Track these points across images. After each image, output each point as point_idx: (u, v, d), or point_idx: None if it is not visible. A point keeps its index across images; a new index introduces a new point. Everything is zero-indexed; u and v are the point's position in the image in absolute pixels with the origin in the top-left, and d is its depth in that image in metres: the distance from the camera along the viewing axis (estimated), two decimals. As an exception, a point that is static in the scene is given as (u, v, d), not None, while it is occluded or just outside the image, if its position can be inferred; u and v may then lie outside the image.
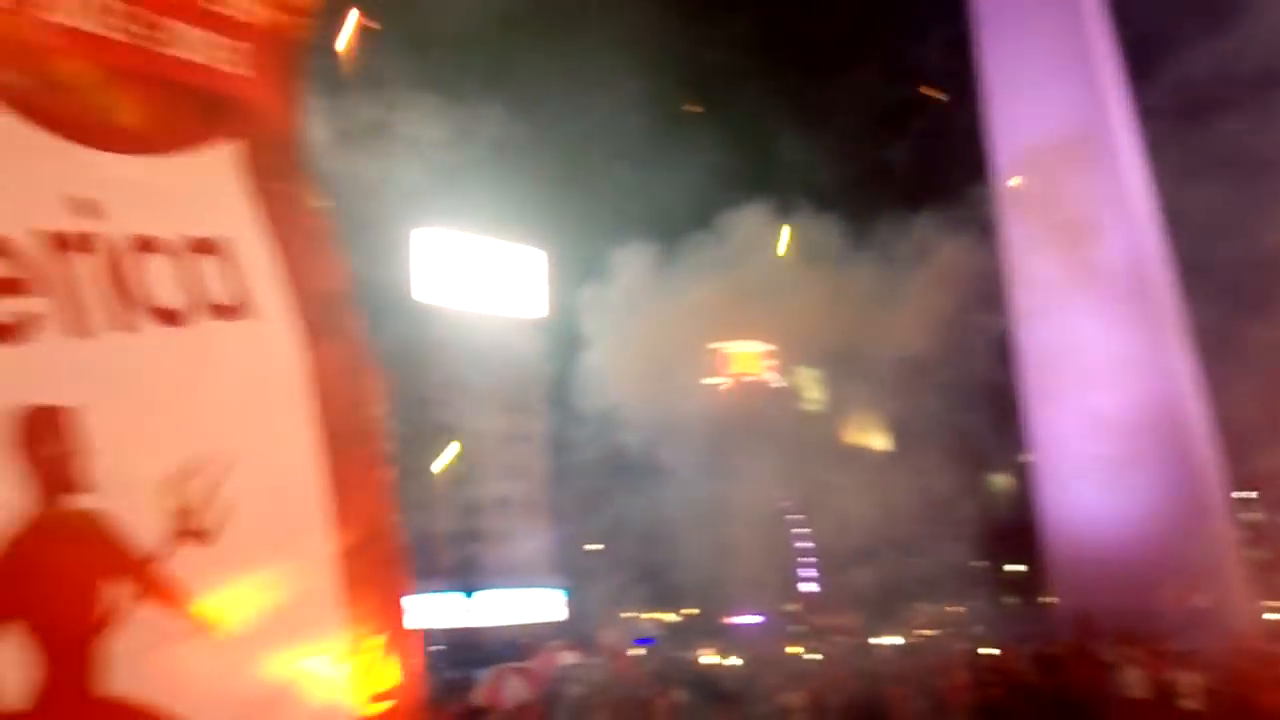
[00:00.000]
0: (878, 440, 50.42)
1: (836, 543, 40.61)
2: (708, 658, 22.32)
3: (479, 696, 11.10)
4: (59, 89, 1.00)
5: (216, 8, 1.22)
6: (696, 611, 40.48)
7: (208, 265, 1.15)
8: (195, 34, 1.18)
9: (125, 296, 1.03)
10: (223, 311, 1.15)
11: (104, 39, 1.07)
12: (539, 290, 52.60)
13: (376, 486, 1.33)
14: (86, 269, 1.00)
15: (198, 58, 1.20)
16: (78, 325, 0.98)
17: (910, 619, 28.50)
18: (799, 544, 46.71)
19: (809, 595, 44.12)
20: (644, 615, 37.87)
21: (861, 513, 41.57)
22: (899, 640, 23.82)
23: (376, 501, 1.33)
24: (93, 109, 1.05)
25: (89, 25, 1.06)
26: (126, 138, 1.08)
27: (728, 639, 32.35)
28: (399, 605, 1.39)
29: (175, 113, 1.16)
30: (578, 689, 11.97)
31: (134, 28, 1.12)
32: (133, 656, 0.99)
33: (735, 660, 21.41)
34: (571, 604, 42.15)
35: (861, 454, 50.04)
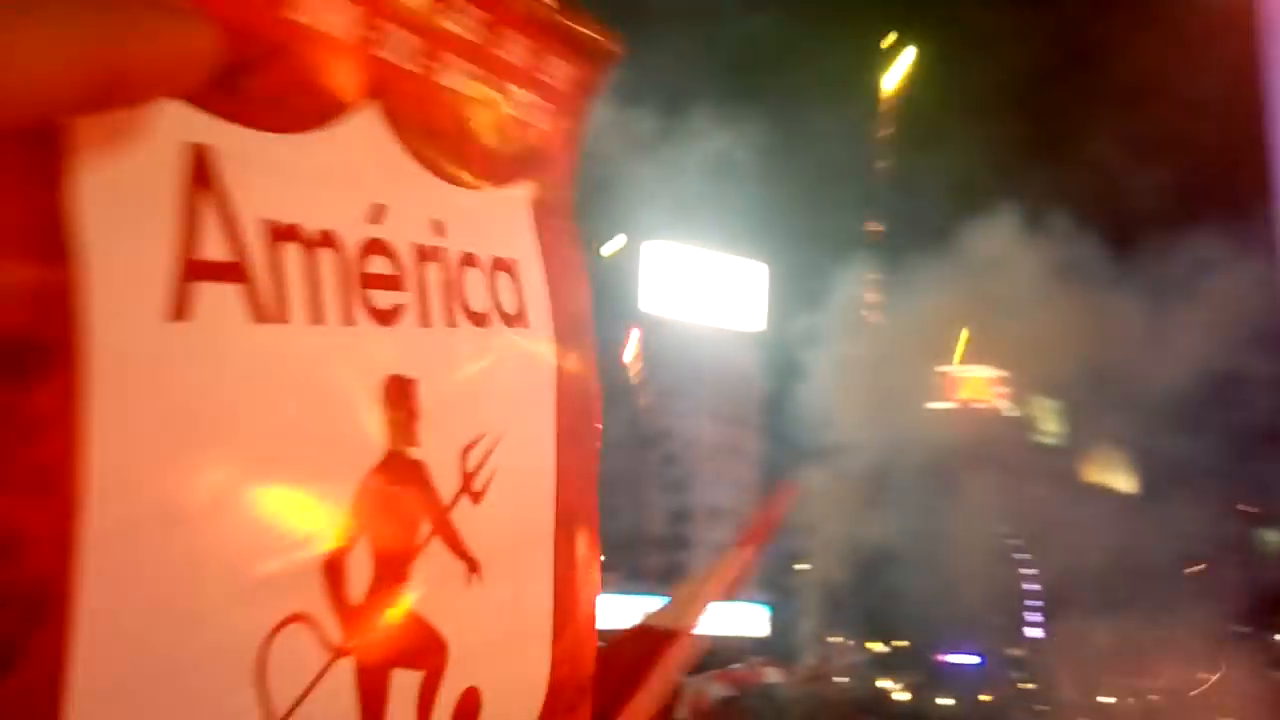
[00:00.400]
0: (1122, 480, 46.22)
1: (1068, 588, 37.56)
2: (910, 694, 21.35)
3: (683, 707, 11.08)
4: (430, 134, 1.30)
5: (543, 76, 1.56)
6: (905, 644, 38.75)
7: (503, 281, 1.42)
8: (523, 95, 1.53)
9: (454, 299, 1.31)
10: (508, 319, 1.41)
11: (468, 97, 1.40)
12: (759, 304, 52.66)
13: (590, 480, 1.60)
14: (433, 274, 1.28)
15: (522, 115, 1.52)
16: (423, 317, 1.26)
17: (1148, 680, 25.77)
18: (1026, 585, 43.61)
19: (1033, 641, 41.02)
20: (850, 641, 36.75)
21: (1100, 558, 38.20)
22: (1130, 701, 21.59)
23: (589, 493, 1.59)
24: (449, 151, 1.35)
25: (461, 86, 1.39)
26: (466, 175, 1.38)
27: (938, 677, 30.82)
28: (594, 590, 1.63)
29: (499, 158, 1.46)
30: (778, 707, 11.80)
31: (488, 90, 1.45)
32: (426, 583, 1.23)
33: (947, 700, 20.30)
34: (775, 621, 41.69)
35: (1102, 494, 46.03)
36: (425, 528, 1.26)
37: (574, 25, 1.59)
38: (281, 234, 1.10)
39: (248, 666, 0.99)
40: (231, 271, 1.02)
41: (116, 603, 0.88)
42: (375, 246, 1.22)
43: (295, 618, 1.06)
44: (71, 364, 0.85)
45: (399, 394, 1.22)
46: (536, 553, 1.50)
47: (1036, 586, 42.70)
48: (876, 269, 31.52)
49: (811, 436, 31.22)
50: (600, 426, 1.72)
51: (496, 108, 1.47)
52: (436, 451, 1.27)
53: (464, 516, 1.31)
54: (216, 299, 0.99)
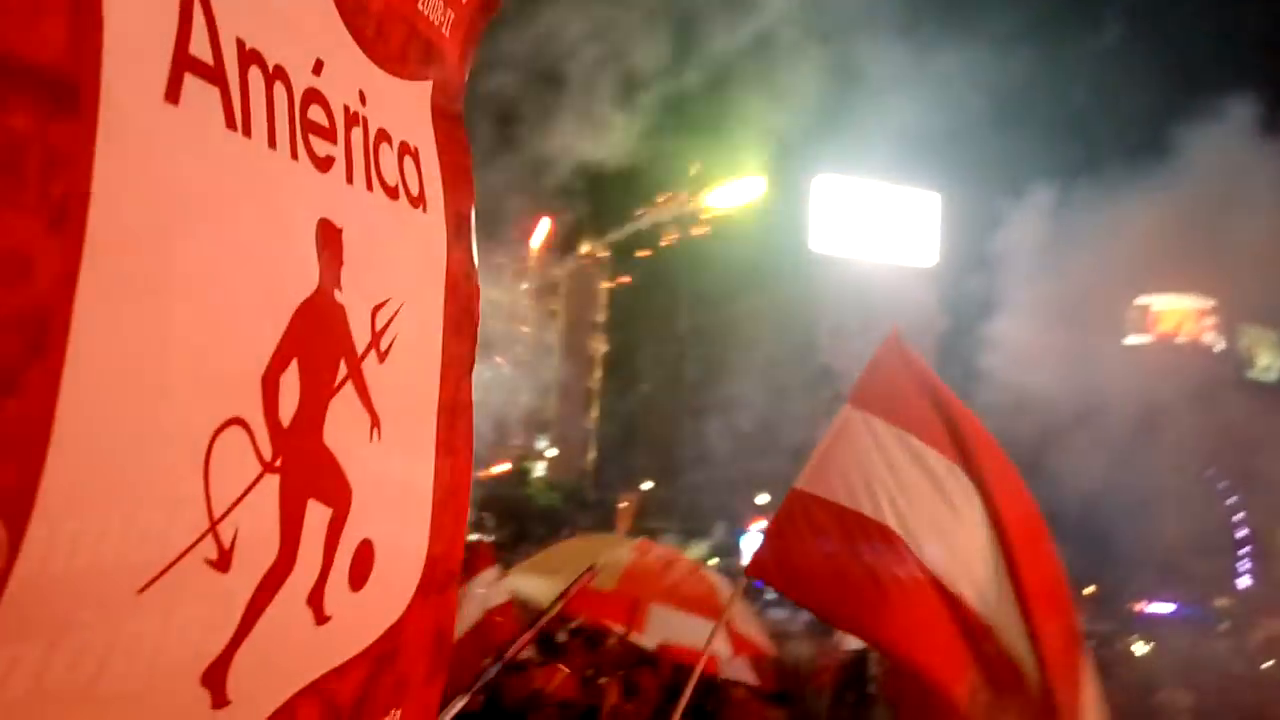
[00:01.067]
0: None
1: (1286, 536, 34.34)
2: (1098, 642, 20.17)
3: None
4: (362, 10, 1.44)
5: None
6: (1092, 590, 36.67)
7: (408, 164, 1.57)
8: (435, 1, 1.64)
9: (371, 166, 1.45)
10: (412, 200, 1.57)
11: None
12: (931, 236, 50.28)
13: (468, 375, 1.76)
14: (356, 138, 1.41)
15: (432, 16, 1.66)
16: (349, 173, 1.39)
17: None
18: (1236, 533, 40.22)
19: (1244, 591, 37.92)
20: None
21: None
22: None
23: (466, 388, 1.75)
24: (373, 32, 1.48)
25: None
26: (390, 60, 1.53)
27: (1134, 626, 29.05)
28: (467, 483, 1.76)
29: (411, 50, 1.60)
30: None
31: None
32: (339, 425, 1.36)
33: (1142, 651, 19.16)
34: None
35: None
36: (342, 371, 1.40)
37: None
38: (248, 57, 1.24)
39: (197, 456, 1.12)
40: (212, 74, 1.17)
41: (103, 350, 0.99)
42: (315, 95, 1.35)
43: (236, 421, 1.18)
44: (93, 110, 0.96)
45: (329, 237, 1.37)
46: (422, 428, 1.65)
47: (1246, 532, 39.29)
48: (1062, 191, 29.18)
49: (992, 377, 29.73)
50: (478, 318, 1.81)
51: (414, 4, 1.60)
52: (354, 301, 1.42)
53: (371, 372, 1.45)
54: (200, 95, 1.14)
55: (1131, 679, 10.30)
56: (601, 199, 44.57)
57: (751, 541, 32.48)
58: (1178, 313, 47.57)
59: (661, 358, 50.48)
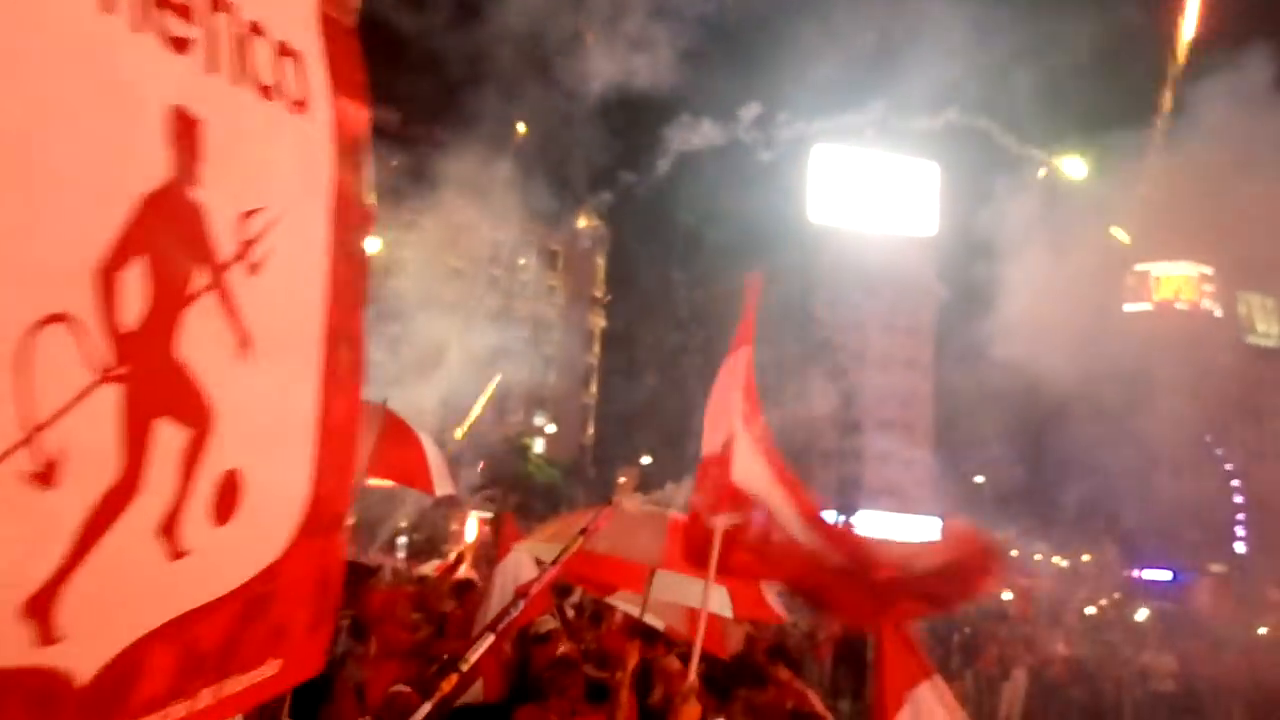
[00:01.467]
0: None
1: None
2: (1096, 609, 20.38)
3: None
4: None
5: None
6: (1088, 557, 36.87)
7: (289, 66, 1.44)
8: None
9: (242, 58, 1.34)
10: (292, 104, 1.44)
11: None
12: (930, 206, 50.08)
13: (359, 303, 1.61)
14: (223, 24, 1.31)
15: None
16: (211, 61, 1.27)
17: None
18: (1234, 499, 40.34)
19: (1240, 557, 38.09)
20: (1034, 556, 35.41)
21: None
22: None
23: (357, 315, 1.61)
24: None
25: None
26: None
27: (1133, 591, 29.27)
28: (358, 418, 1.62)
29: None
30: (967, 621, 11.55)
31: None
32: (198, 339, 1.25)
33: (1140, 616, 19.30)
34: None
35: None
36: (201, 278, 1.26)
37: None
38: None
39: (5, 353, 0.99)
40: None
41: None
42: None
43: (60, 318, 1.06)
44: None
45: (183, 127, 1.24)
46: (304, 353, 1.49)
47: (1241, 500, 39.41)
48: (1061, 156, 29.01)
49: (993, 345, 29.74)
50: (365, 244, 1.67)
51: None
52: (217, 202, 1.28)
53: (240, 285, 1.31)
54: None
55: (1122, 643, 10.39)
56: (603, 166, 44.34)
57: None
58: (1176, 280, 47.48)
59: (660, 332, 50.49)
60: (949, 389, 39.91)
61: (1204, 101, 23.18)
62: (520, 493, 31.78)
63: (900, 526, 40.13)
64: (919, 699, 2.83)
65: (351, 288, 1.59)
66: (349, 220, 1.58)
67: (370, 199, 1.66)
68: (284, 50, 1.46)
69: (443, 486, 5.99)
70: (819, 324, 43.69)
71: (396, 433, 5.58)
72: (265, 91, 1.40)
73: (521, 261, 43.93)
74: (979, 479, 38.77)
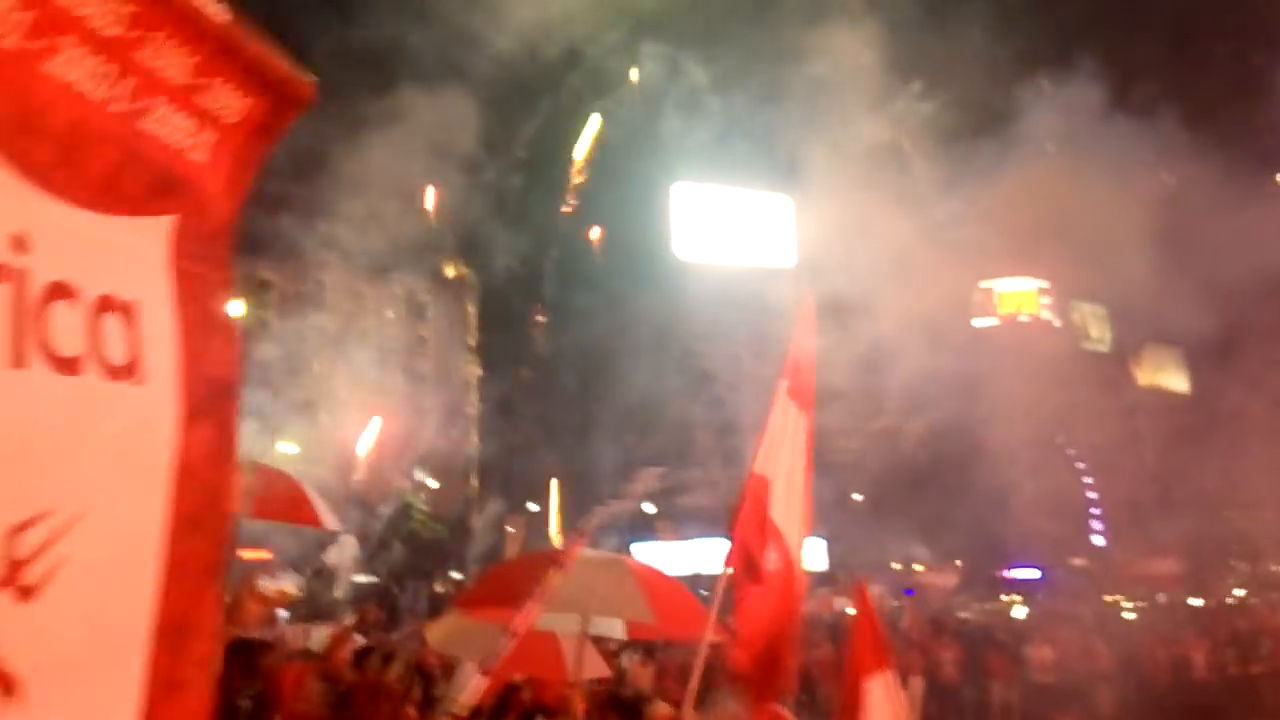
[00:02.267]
0: (1177, 382, 45.36)
1: (1131, 494, 37.12)
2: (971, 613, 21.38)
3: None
4: (28, 129, 1.09)
5: (205, 102, 1.35)
6: (959, 564, 38.70)
7: (111, 324, 1.20)
8: (175, 117, 1.28)
9: (26, 332, 1.11)
10: (113, 371, 1.19)
11: (91, 99, 1.21)
12: (788, 238, 52.04)
13: (213, 579, 1.37)
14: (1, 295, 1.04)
15: (168, 138, 1.29)
16: None
17: (1221, 580, 25.53)
18: (1088, 495, 43.21)
19: (1099, 550, 40.77)
20: (913, 566, 36.85)
21: (1160, 462, 37.59)
22: (1199, 602, 21.39)
23: (209, 596, 1.36)
24: (54, 156, 1.14)
25: (82, 83, 1.20)
26: (78, 190, 1.16)
27: (1003, 592, 30.80)
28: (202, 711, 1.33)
29: (128, 180, 1.24)
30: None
31: (122, 96, 1.26)
32: None
33: (1020, 612, 20.34)
34: (832, 553, 41.94)
35: (1158, 397, 45.20)
36: None
37: (257, 54, 1.36)
38: None
39: None
40: None
41: None
42: None
43: None
44: None
45: None
46: (117, 671, 1.23)
47: (1096, 495, 42.31)
48: (905, 187, 30.85)
49: (853, 366, 31.02)
50: (231, 515, 1.45)
51: (132, 122, 1.26)
52: None
53: (6, 617, 1.06)
54: None
55: (1006, 638, 10.96)
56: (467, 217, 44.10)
57: (643, 549, 32.64)
58: (1018, 295, 50.81)
59: (538, 377, 50.22)
60: (819, 410, 41.19)
61: (1036, 124, 25.12)
62: (408, 551, 30.84)
63: (786, 550, 40.82)
64: (875, 690, 2.98)
65: (200, 562, 1.33)
66: (199, 486, 1.32)
67: (234, 452, 1.41)
68: (108, 305, 1.24)
69: (330, 521, 5.85)
70: (694, 355, 44.47)
71: (271, 478, 5.42)
72: (65, 365, 1.17)
73: (390, 314, 43.02)
74: (857, 496, 40.13)
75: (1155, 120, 23.28)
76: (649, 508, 37.10)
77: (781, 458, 3.47)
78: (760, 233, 51.67)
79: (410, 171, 28.90)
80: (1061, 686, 8.78)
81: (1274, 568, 26.60)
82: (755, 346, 51.41)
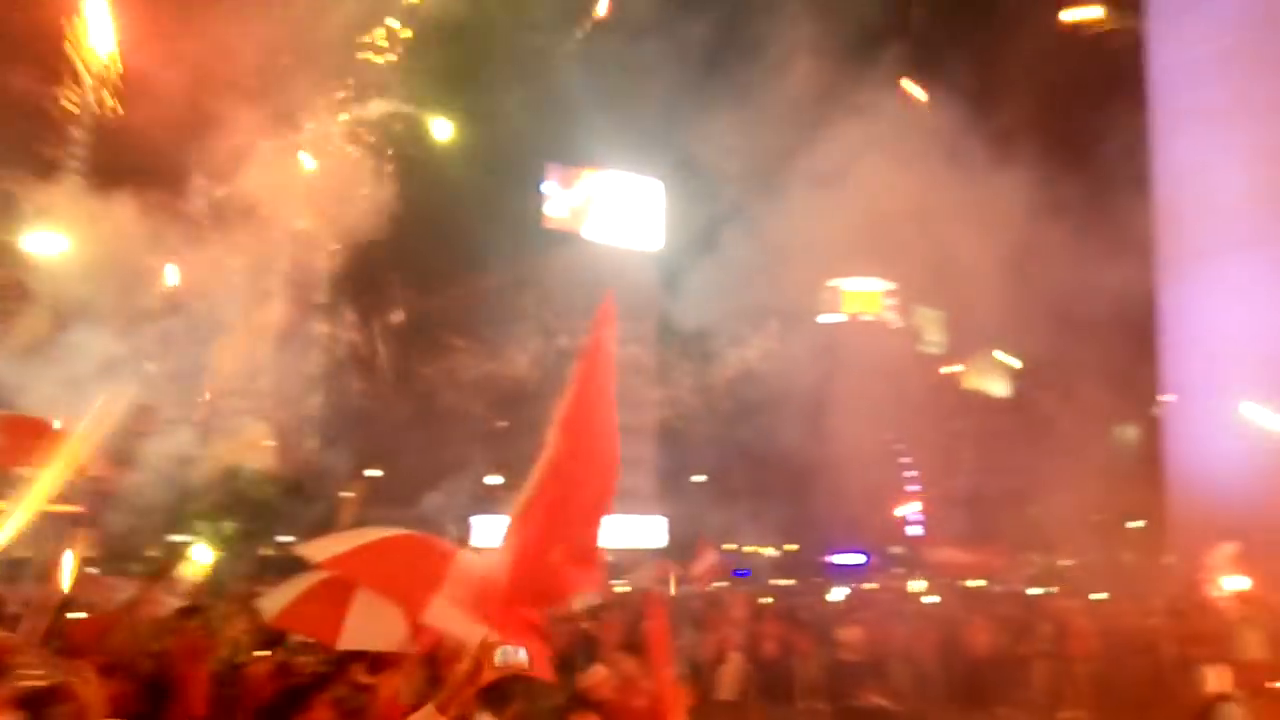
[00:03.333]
0: (998, 388, 48.84)
1: (948, 489, 39.88)
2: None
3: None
4: None
5: None
6: (796, 548, 40.69)
7: None
8: None
9: None
10: None
11: None
12: (656, 222, 52.67)
13: None
14: None
15: None
16: None
17: (1018, 571, 27.86)
18: (909, 488, 46.11)
19: (915, 539, 43.67)
20: (745, 548, 38.34)
21: (975, 460, 40.46)
22: (998, 589, 23.35)
23: None
24: None
25: None
26: None
27: (830, 576, 32.48)
28: None
29: None
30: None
31: None
32: None
33: (838, 594, 21.56)
34: (672, 532, 43.10)
35: (981, 400, 48.59)
36: None
37: None
38: None
39: None
40: None
41: None
42: None
43: None
44: None
45: None
46: None
47: (917, 487, 45.28)
48: (767, 180, 31.85)
49: (706, 353, 31.88)
50: None
51: None
52: None
53: None
54: None
55: (819, 621, 11.68)
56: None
57: (484, 524, 32.48)
58: (862, 295, 53.37)
59: (392, 340, 48.91)
60: (670, 395, 42.12)
61: (882, 133, 26.29)
62: (237, 514, 29.52)
63: (628, 527, 41.80)
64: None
65: None
66: None
67: None
68: None
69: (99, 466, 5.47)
70: (553, 332, 44.41)
71: (19, 425, 5.03)
72: None
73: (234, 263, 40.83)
74: (699, 478, 41.37)
75: (1006, 139, 24.91)
76: (493, 479, 36.92)
77: (584, 426, 3.59)
78: (630, 215, 52.09)
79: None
80: (866, 664, 9.45)
81: (1062, 561, 29.27)
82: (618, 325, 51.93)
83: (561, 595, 3.52)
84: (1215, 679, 6.23)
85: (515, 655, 3.36)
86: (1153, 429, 27.39)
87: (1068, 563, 28.91)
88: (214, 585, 12.60)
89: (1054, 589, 20.93)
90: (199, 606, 6.06)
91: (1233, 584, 11.30)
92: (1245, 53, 20.84)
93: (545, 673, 3.64)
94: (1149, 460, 25.90)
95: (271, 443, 42.44)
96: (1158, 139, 23.81)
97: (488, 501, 35.36)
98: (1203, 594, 11.74)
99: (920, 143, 26.39)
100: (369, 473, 39.34)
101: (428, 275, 47.73)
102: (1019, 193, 22.44)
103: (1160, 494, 23.04)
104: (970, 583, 23.61)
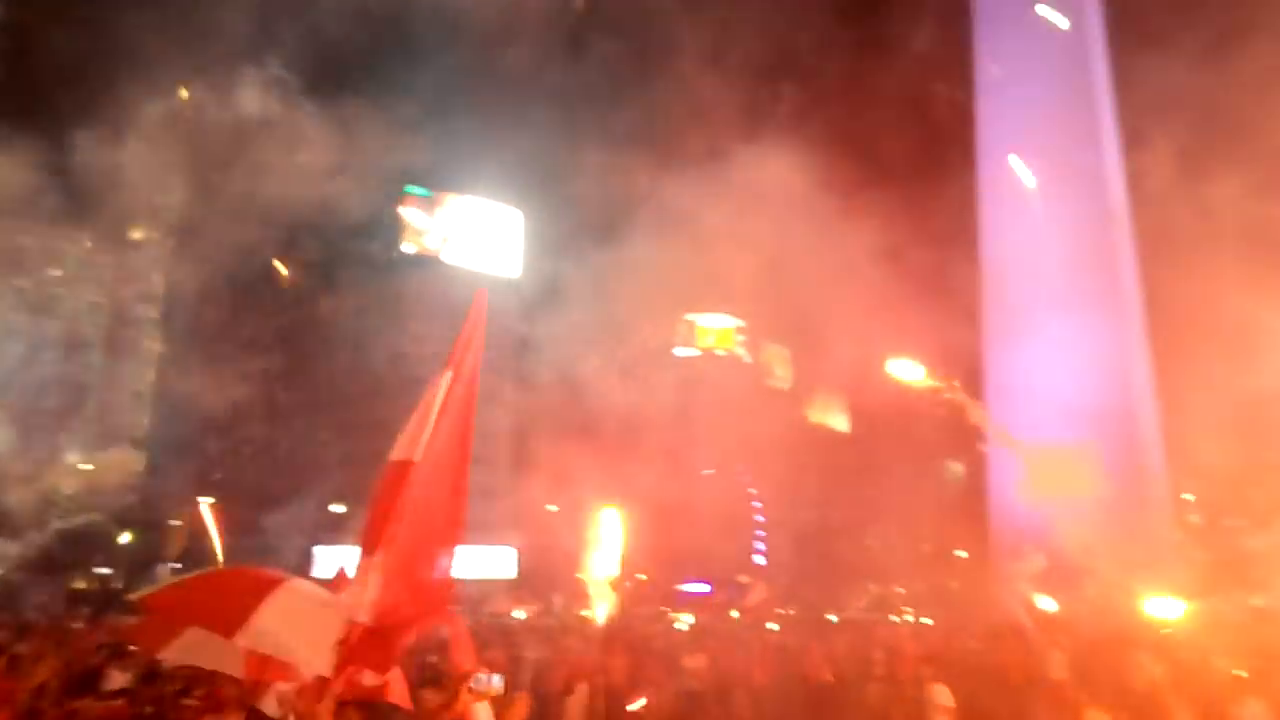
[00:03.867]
0: (840, 423, 51.06)
1: (791, 520, 41.24)
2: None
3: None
4: None
5: None
6: (644, 577, 40.97)
7: None
8: None
9: None
10: None
11: None
12: (515, 250, 52.54)
13: None
14: None
15: None
16: None
17: (854, 599, 29.14)
18: (756, 518, 47.38)
19: (759, 568, 44.86)
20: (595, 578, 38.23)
21: (817, 492, 42.06)
22: (834, 617, 24.35)
23: None
24: None
25: None
26: None
27: (676, 605, 32.85)
28: None
29: None
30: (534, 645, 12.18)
31: None
32: None
33: (684, 622, 21.85)
34: (522, 562, 42.57)
35: (824, 435, 50.64)
36: None
37: None
38: None
39: None
40: None
41: None
42: None
43: None
44: None
45: None
46: None
47: (762, 518, 46.62)
48: (621, 212, 32.38)
49: (560, 381, 31.88)
50: None
51: None
52: None
53: None
54: None
55: (666, 649, 11.80)
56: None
57: (327, 555, 31.14)
58: (715, 330, 54.79)
59: (232, 357, 46.44)
60: (525, 423, 41.79)
61: (757, 172, 27.09)
62: (45, 541, 27.21)
63: (481, 557, 41.03)
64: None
65: None
66: None
67: None
68: None
69: None
70: (406, 359, 43.37)
71: None
72: None
73: (56, 273, 37.89)
74: (552, 508, 41.04)
75: (852, 180, 26.24)
76: (337, 508, 35.54)
77: (435, 445, 3.57)
78: (489, 242, 51.76)
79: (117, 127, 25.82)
80: (710, 692, 9.61)
81: (896, 589, 30.80)
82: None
83: (412, 625, 3.46)
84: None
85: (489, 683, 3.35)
86: (978, 466, 29.31)
87: (900, 590, 30.45)
88: (18, 623, 11.57)
89: (891, 616, 21.99)
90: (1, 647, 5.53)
91: (1041, 602, 12.15)
92: (1061, 129, 23.06)
93: (403, 700, 3.58)
94: (974, 494, 27.72)
95: (89, 466, 39.37)
96: (985, 209, 25.79)
97: (331, 530, 33.95)
98: (1012, 616, 12.55)
99: (772, 187, 27.42)
100: (203, 500, 37.09)
101: (278, 292, 45.76)
102: (860, 243, 23.73)
103: (984, 525, 24.65)
104: (802, 611, 24.45)
